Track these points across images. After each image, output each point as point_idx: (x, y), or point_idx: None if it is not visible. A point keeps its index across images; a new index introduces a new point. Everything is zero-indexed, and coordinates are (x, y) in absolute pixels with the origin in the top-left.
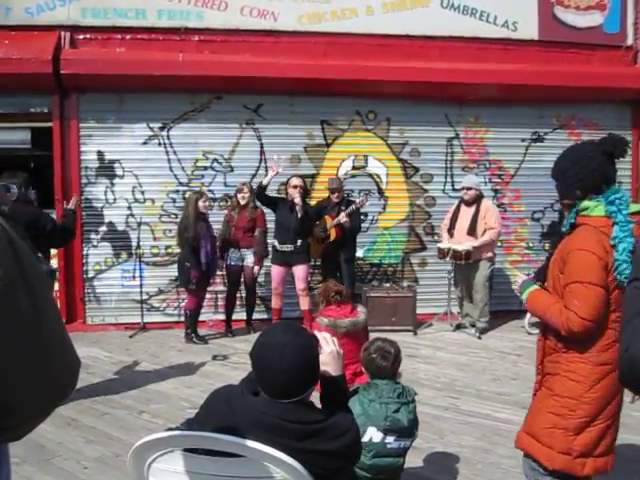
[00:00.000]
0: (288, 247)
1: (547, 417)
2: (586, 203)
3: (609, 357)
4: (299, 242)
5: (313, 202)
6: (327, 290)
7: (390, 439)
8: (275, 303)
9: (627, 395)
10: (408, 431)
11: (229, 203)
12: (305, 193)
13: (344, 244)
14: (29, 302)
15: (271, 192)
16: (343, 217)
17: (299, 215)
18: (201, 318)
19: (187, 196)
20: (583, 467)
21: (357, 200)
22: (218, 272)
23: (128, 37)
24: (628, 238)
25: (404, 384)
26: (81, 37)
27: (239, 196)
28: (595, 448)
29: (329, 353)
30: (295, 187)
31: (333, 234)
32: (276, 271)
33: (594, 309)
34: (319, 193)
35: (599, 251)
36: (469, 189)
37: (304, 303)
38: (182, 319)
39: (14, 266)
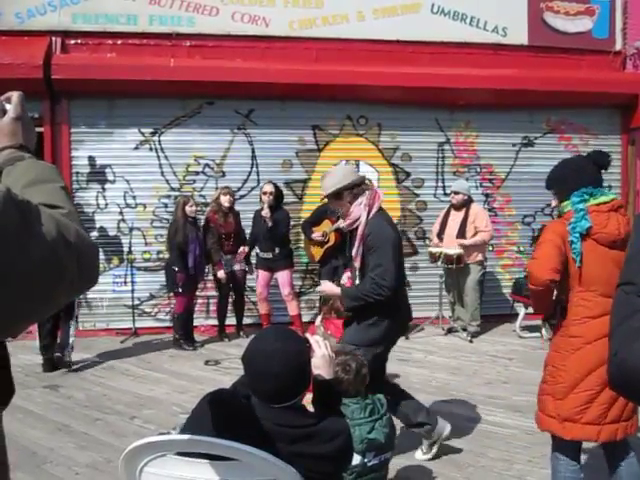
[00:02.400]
0: (268, 255)
1: (540, 386)
2: (563, 204)
3: (579, 331)
4: (277, 250)
5: (308, 207)
6: (334, 301)
7: (370, 457)
8: (262, 308)
9: None
10: (387, 445)
11: (208, 208)
12: (277, 199)
13: (343, 249)
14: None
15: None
16: (342, 222)
17: (269, 225)
18: (193, 323)
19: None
20: (569, 431)
21: None
22: (210, 278)
23: (119, 42)
24: (579, 223)
25: (373, 395)
26: (72, 42)
27: (224, 199)
28: (580, 415)
29: (321, 357)
30: (265, 194)
31: (332, 238)
32: (260, 276)
33: (544, 253)
34: (311, 198)
35: (557, 228)
36: (457, 193)
37: (292, 308)
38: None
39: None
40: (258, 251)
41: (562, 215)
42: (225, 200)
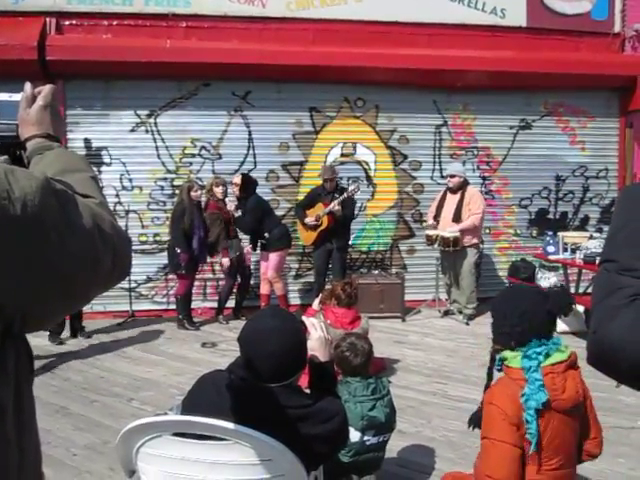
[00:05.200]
0: (262, 240)
1: None
2: (506, 353)
3: None
4: (266, 235)
5: (305, 190)
6: (335, 288)
7: (369, 436)
8: (263, 288)
9: (612, 380)
10: (386, 425)
11: (208, 199)
12: (245, 189)
13: (336, 232)
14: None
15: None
16: (335, 205)
17: (235, 216)
18: (191, 306)
19: (177, 184)
20: None
21: (349, 188)
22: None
23: (115, 23)
24: (535, 396)
25: (378, 377)
26: (67, 23)
27: (217, 190)
28: None
29: (317, 339)
30: (231, 184)
31: (325, 222)
32: (262, 257)
33: (497, 465)
34: (308, 180)
35: (506, 407)
36: (452, 177)
37: (277, 289)
38: (171, 307)
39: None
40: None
41: (503, 366)
42: (218, 192)
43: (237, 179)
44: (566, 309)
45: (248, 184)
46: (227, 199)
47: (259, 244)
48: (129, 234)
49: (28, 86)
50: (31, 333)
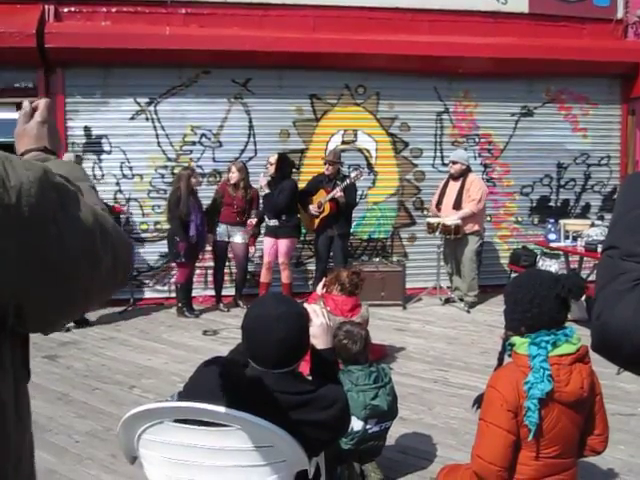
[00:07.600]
0: (274, 222)
1: None
2: (515, 339)
3: None
4: (283, 217)
5: (306, 177)
6: (340, 274)
7: (371, 424)
8: (264, 277)
9: (614, 367)
10: (389, 413)
11: (222, 178)
12: (280, 169)
13: (338, 218)
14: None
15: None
16: (337, 192)
17: (263, 192)
18: (192, 294)
19: (177, 172)
20: None
21: (352, 174)
22: (207, 248)
23: (114, 10)
24: (539, 385)
25: (378, 364)
26: (65, 10)
27: (230, 175)
28: None
29: (319, 325)
30: (267, 163)
31: (327, 208)
32: (266, 242)
33: (488, 448)
34: (309, 168)
35: (507, 392)
36: (454, 163)
37: (284, 277)
38: (172, 295)
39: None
40: (266, 218)
41: (511, 351)
42: (231, 176)
43: (273, 158)
44: (577, 292)
45: (284, 164)
46: (262, 177)
47: (268, 228)
48: (130, 222)
49: (27, 103)
50: (34, 333)
